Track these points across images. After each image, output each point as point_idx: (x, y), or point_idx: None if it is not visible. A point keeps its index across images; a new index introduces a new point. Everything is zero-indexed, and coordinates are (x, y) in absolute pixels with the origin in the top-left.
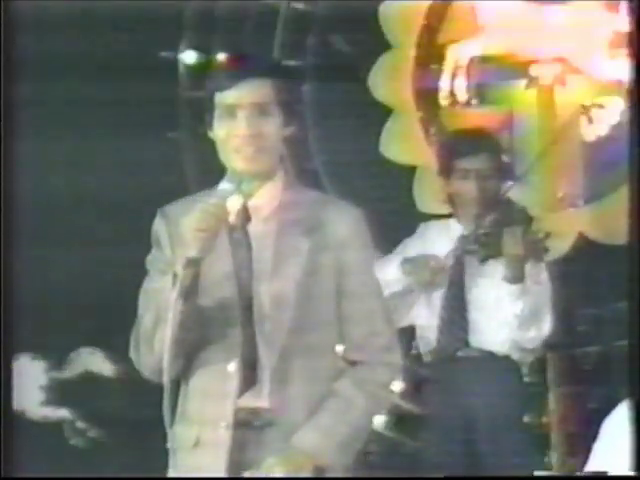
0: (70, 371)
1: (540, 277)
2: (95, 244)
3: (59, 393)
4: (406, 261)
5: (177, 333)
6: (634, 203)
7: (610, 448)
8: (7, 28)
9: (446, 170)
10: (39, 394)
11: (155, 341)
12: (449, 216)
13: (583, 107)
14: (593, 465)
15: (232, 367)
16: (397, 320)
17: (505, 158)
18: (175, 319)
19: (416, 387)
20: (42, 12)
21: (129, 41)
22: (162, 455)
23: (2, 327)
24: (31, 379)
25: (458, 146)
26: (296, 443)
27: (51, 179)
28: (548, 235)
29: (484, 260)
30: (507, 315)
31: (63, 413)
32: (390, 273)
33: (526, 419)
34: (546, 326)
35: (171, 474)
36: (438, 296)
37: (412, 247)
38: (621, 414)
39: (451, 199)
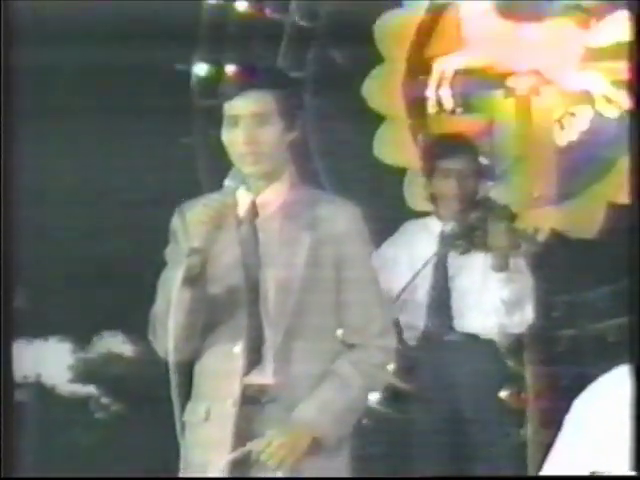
0: (94, 352)
1: (521, 267)
2: (114, 237)
3: (85, 372)
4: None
5: (186, 318)
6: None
7: (580, 424)
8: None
9: (429, 170)
10: (67, 373)
11: (168, 325)
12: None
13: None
14: (563, 436)
15: (239, 348)
16: (404, 307)
17: (484, 160)
18: (182, 305)
19: (408, 368)
20: (64, 25)
21: (146, 54)
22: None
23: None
24: (59, 359)
25: (440, 148)
26: (296, 416)
27: (70, 178)
28: (537, 230)
29: (465, 252)
30: (495, 301)
31: (89, 389)
32: (403, 247)
33: (505, 395)
34: (529, 312)
35: (183, 446)
36: (424, 288)
37: (395, 245)
38: (591, 393)
39: (434, 197)
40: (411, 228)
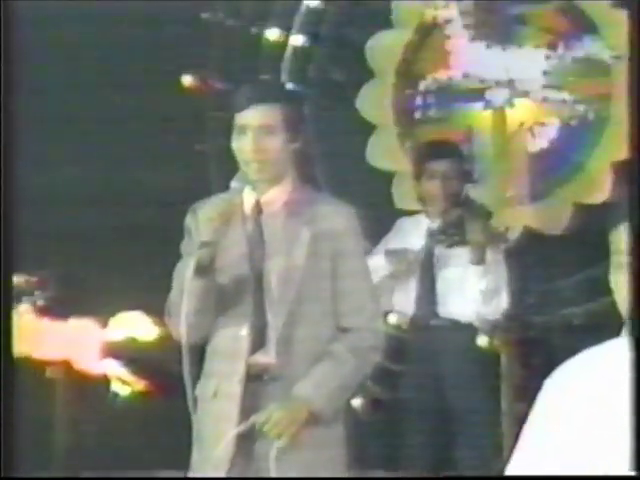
0: (118, 332)
1: (497, 260)
2: (136, 232)
3: (109, 351)
4: (388, 253)
5: (197, 304)
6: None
7: (550, 401)
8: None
9: (418, 173)
10: (93, 352)
11: (181, 310)
12: (420, 212)
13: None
14: (536, 410)
15: (244, 331)
16: (393, 296)
17: (466, 164)
18: (193, 292)
19: (397, 349)
20: (84, 39)
21: (163, 68)
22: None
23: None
24: (86, 339)
25: (427, 153)
26: (295, 392)
27: (90, 179)
28: (507, 229)
29: (449, 247)
30: (473, 291)
31: (109, 366)
32: (378, 261)
33: (482, 373)
34: (504, 300)
35: (195, 420)
36: (413, 278)
37: (392, 240)
38: (560, 373)
39: (422, 197)
40: (405, 224)
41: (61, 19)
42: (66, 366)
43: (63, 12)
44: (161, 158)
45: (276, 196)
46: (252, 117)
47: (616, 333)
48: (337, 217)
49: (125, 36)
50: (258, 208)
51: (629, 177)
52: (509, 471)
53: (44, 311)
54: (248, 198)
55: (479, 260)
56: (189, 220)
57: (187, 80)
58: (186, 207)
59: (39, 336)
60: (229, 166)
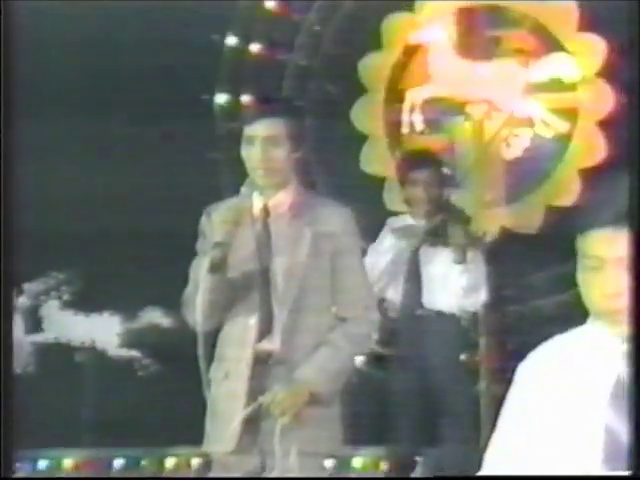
0: (139, 323)
1: (477, 259)
2: (155, 234)
3: (131, 338)
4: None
5: (211, 297)
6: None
7: (524, 382)
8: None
9: (403, 179)
10: (116, 339)
11: (196, 302)
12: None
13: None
14: (512, 391)
15: (253, 321)
16: (385, 289)
17: (447, 171)
18: (207, 286)
19: (388, 336)
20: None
21: (178, 87)
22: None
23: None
24: (110, 328)
25: (411, 162)
26: (297, 375)
27: (115, 187)
28: (485, 233)
29: (433, 246)
30: (455, 287)
31: (134, 353)
32: (385, 242)
33: (463, 357)
34: (482, 294)
35: (209, 399)
36: (402, 274)
37: (383, 239)
38: (533, 357)
39: (407, 201)
40: (394, 224)
41: (81, 46)
42: (91, 351)
43: (83, 37)
44: (179, 166)
45: (281, 200)
46: (259, 129)
47: (582, 322)
48: (335, 218)
49: (146, 59)
50: (265, 211)
51: (630, 176)
52: (493, 445)
53: (73, 303)
54: (256, 202)
55: (461, 260)
56: (204, 222)
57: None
58: (201, 210)
59: (69, 325)
60: (240, 173)
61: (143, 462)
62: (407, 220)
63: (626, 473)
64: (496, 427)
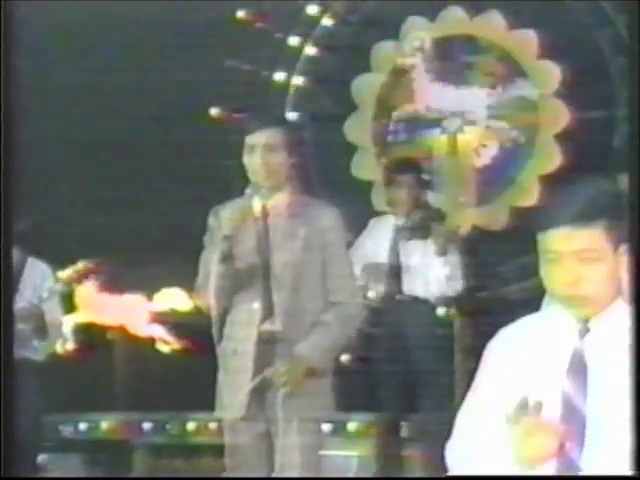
0: (162, 304)
1: (453, 252)
2: (172, 229)
3: (154, 318)
4: (364, 267)
5: (221, 283)
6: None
7: (493, 357)
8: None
9: (388, 183)
10: (143, 319)
11: (208, 288)
12: (388, 213)
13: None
14: (482, 367)
15: (256, 305)
16: (370, 277)
17: (425, 176)
18: (217, 275)
19: (372, 318)
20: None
21: (189, 103)
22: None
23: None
24: (137, 309)
25: (395, 168)
26: (296, 352)
27: (140, 189)
28: (458, 229)
29: (412, 240)
30: (438, 275)
31: (154, 330)
32: (370, 237)
33: (439, 335)
34: (458, 282)
35: (221, 373)
36: (384, 264)
37: (367, 236)
38: (501, 336)
39: (390, 202)
40: (377, 223)
41: (95, 59)
42: (122, 330)
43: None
44: (191, 171)
45: (278, 201)
46: (259, 138)
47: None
48: (325, 217)
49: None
50: (265, 211)
51: (630, 177)
52: (462, 411)
53: (104, 288)
54: (258, 203)
55: (442, 252)
56: (212, 219)
57: (215, 112)
58: (209, 209)
59: (100, 307)
60: (244, 177)
61: (168, 425)
62: (390, 219)
63: (629, 473)
64: (467, 395)
